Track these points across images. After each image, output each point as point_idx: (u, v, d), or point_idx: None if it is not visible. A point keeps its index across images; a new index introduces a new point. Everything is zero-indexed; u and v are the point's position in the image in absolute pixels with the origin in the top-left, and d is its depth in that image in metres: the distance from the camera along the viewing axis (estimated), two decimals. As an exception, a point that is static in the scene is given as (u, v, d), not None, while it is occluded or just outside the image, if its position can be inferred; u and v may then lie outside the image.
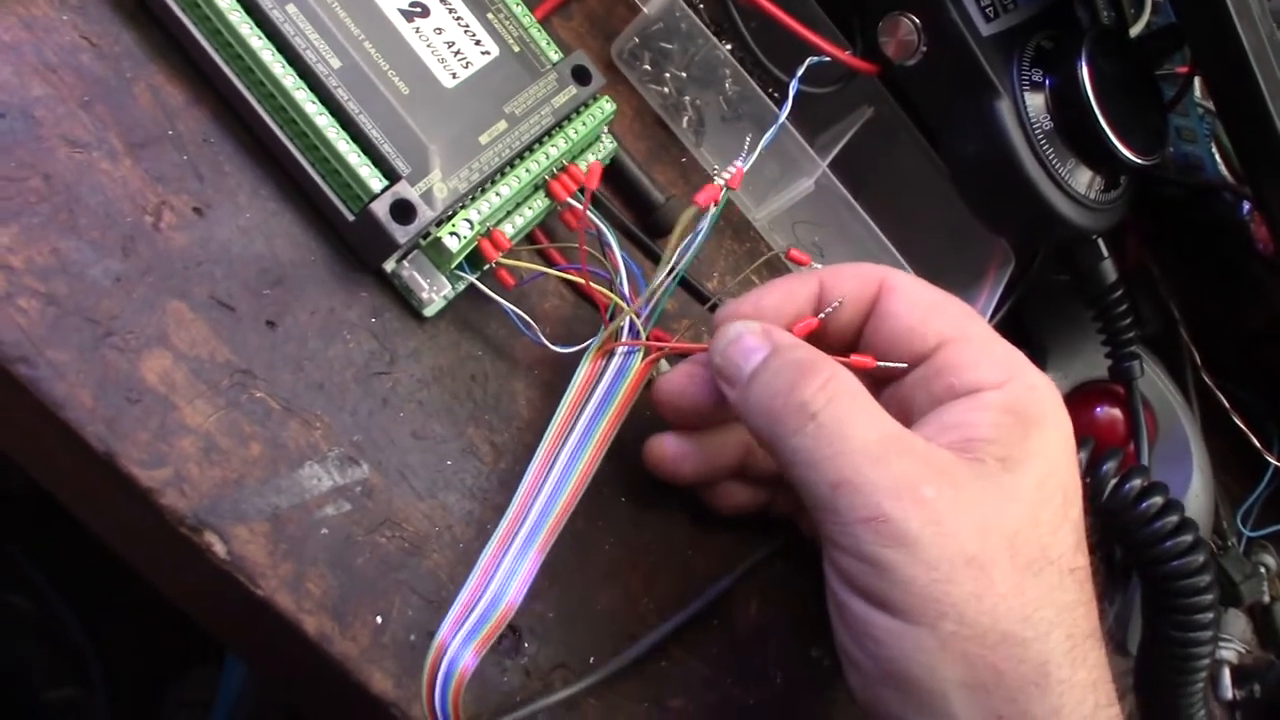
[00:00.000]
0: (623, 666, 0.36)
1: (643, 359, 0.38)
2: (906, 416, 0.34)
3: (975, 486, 0.31)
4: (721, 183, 0.38)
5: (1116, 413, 0.53)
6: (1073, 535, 0.33)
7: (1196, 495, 0.55)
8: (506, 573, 0.32)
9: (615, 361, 0.37)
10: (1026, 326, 0.57)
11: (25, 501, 0.74)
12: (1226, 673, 0.60)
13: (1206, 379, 0.60)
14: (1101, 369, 0.53)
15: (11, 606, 0.67)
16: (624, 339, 0.38)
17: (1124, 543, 0.46)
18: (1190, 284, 0.64)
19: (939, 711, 0.30)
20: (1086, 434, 0.49)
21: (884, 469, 0.31)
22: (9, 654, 0.66)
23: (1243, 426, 0.60)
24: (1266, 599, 0.66)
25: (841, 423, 0.31)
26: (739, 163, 0.38)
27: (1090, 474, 0.46)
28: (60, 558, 0.73)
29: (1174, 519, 0.45)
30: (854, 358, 0.35)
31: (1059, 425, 0.34)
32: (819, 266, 0.38)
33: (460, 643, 0.31)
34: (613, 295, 0.38)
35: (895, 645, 0.30)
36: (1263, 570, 0.66)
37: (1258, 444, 0.60)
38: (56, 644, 0.68)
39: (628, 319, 0.38)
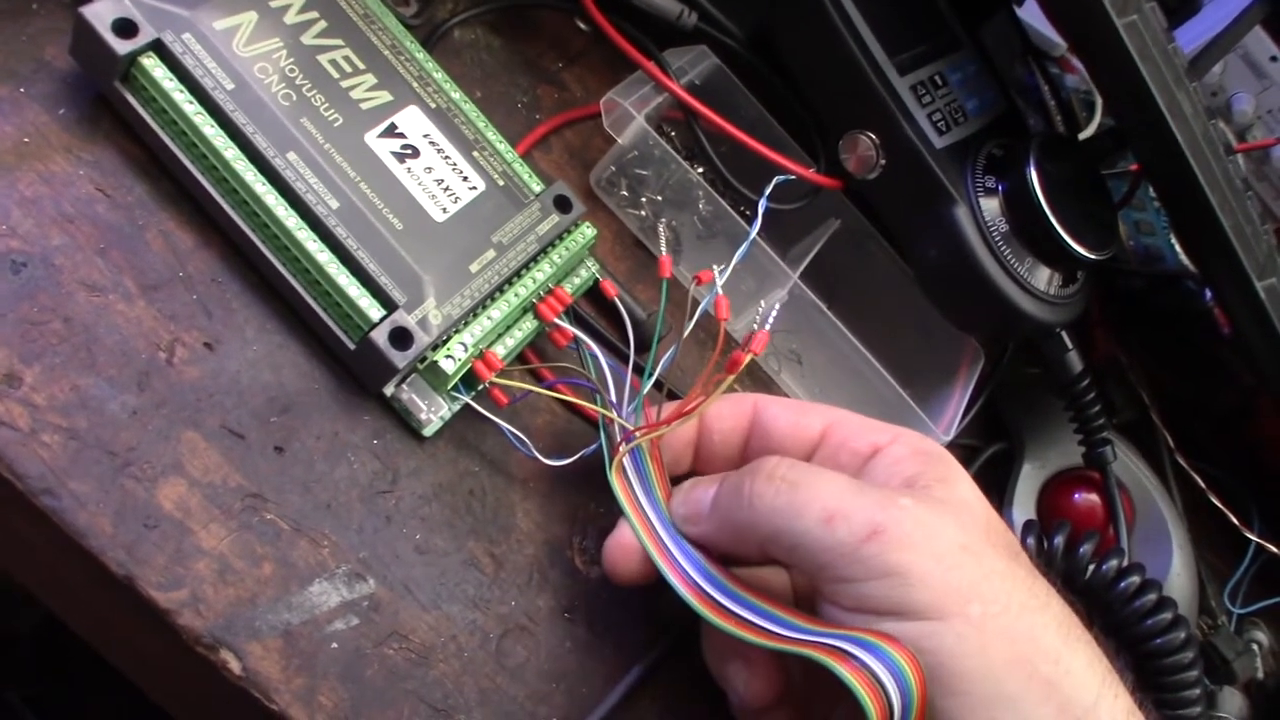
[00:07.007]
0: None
1: (649, 446, 0.39)
2: None
3: (934, 501, 0.34)
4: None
5: (1094, 498, 0.55)
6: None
7: (1178, 574, 0.56)
8: None
9: (630, 465, 0.39)
10: (1003, 420, 0.59)
11: (30, 645, 0.74)
12: (1227, 751, 0.61)
13: (1181, 461, 0.61)
14: (1077, 457, 0.55)
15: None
16: (620, 441, 0.39)
17: (1106, 623, 0.47)
18: (1161, 371, 0.65)
19: (995, 697, 0.31)
20: (1065, 519, 0.50)
21: (862, 494, 0.34)
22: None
23: (1220, 505, 0.61)
24: (1261, 675, 0.66)
25: (810, 475, 0.35)
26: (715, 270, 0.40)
27: (1068, 557, 0.47)
28: (60, 707, 0.73)
29: (1152, 597, 0.46)
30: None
31: (956, 462, 0.37)
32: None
33: None
34: (600, 409, 0.40)
35: (937, 646, 0.32)
36: (1255, 646, 0.66)
37: (1236, 522, 0.61)
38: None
39: (617, 426, 0.39)
